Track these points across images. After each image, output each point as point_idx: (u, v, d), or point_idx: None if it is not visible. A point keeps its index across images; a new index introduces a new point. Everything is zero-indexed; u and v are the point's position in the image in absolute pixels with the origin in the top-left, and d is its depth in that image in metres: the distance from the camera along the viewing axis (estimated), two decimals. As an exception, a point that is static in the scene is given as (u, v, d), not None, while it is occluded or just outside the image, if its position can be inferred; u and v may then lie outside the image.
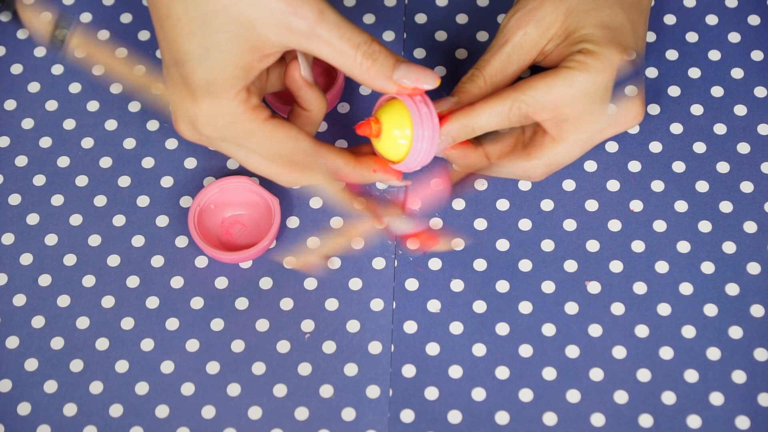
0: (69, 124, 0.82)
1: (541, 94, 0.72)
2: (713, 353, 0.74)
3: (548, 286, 0.77)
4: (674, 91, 0.82)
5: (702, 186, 0.79)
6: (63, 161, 0.81)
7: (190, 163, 0.81)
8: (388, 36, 0.84)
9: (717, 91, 0.82)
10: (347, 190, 0.76)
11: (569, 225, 0.78)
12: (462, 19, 0.85)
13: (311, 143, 0.72)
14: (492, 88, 0.75)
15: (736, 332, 0.75)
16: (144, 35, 0.85)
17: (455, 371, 0.75)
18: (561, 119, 0.73)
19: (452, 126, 0.73)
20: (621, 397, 0.74)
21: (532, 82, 0.73)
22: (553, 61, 0.75)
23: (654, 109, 0.81)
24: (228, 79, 0.67)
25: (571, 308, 0.76)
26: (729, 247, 0.77)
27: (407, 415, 0.74)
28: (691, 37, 0.84)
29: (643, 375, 0.74)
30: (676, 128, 0.81)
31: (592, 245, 0.78)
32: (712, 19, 0.84)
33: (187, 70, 0.68)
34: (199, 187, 0.80)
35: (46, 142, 0.82)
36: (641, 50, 0.75)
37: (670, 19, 0.84)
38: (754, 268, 0.77)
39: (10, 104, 0.83)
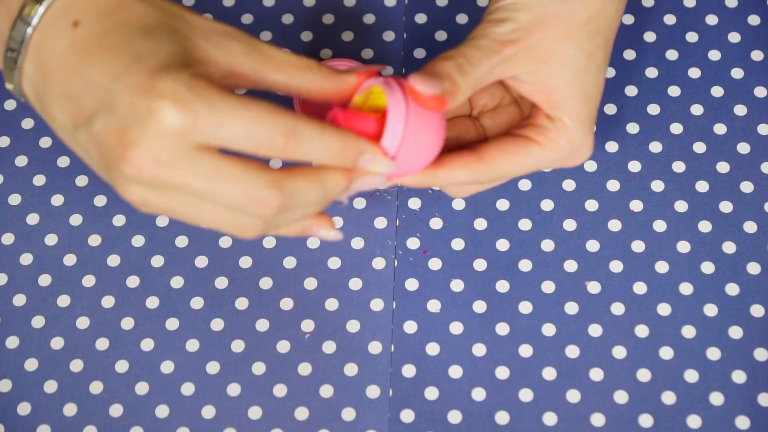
0: (69, 124, 0.82)
1: (508, 172, 0.69)
2: (713, 353, 0.74)
3: (548, 286, 0.77)
4: (674, 91, 0.82)
5: (702, 186, 0.79)
6: (63, 161, 0.81)
7: (190, 163, 0.81)
8: (388, 36, 0.84)
9: (717, 91, 0.82)
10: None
11: (569, 225, 0.78)
12: (462, 19, 0.85)
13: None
14: (470, 94, 0.67)
15: (736, 332, 0.75)
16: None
17: (455, 371, 0.75)
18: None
19: (414, 180, 0.68)
20: (621, 397, 0.74)
21: (500, 158, 0.68)
22: (520, 87, 0.69)
23: (654, 110, 0.81)
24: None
25: (571, 308, 0.76)
26: (729, 247, 0.77)
27: (407, 415, 0.74)
28: (691, 37, 0.84)
29: (643, 375, 0.74)
30: (676, 128, 0.81)
31: (592, 245, 0.78)
32: (712, 19, 0.84)
33: (99, 121, 0.59)
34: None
35: (46, 142, 0.81)
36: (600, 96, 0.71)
37: (670, 19, 0.84)
38: (754, 268, 0.77)
39: (10, 104, 0.83)
